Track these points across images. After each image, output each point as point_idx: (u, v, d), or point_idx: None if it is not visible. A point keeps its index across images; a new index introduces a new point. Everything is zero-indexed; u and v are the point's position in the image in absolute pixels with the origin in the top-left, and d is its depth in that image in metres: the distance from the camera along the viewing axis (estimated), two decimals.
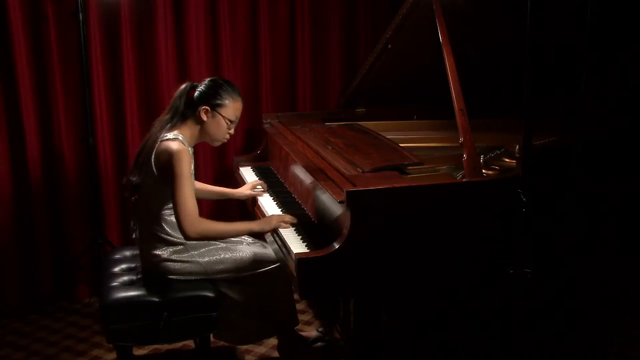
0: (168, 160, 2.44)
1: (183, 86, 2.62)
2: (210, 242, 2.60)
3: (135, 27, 3.54)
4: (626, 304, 3.22)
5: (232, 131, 2.66)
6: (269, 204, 2.87)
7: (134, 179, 2.58)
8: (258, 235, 2.80)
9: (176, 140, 2.48)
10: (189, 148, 2.56)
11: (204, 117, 2.57)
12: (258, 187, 3.06)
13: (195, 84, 2.62)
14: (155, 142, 2.51)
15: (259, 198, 2.96)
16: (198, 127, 2.59)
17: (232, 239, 2.69)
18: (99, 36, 3.45)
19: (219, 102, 2.57)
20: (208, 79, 2.63)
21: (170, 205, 2.51)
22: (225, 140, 2.68)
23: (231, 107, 2.60)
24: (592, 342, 2.80)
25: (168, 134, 2.51)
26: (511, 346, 2.46)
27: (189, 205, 2.43)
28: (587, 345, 2.78)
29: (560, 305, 2.64)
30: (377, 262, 2.15)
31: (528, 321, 2.50)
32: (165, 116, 2.59)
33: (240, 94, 2.65)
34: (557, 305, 2.63)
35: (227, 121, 2.60)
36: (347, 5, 4.06)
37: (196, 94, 2.59)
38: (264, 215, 2.75)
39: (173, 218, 2.53)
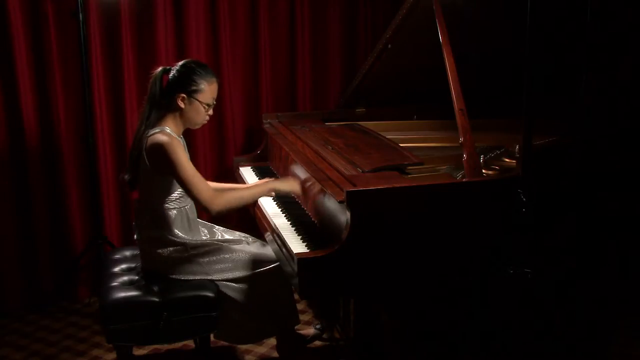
0: (161, 153, 2.43)
1: (157, 71, 2.57)
2: (210, 242, 2.61)
3: (135, 27, 3.54)
4: (626, 304, 3.21)
5: (210, 112, 2.62)
6: (269, 204, 2.87)
7: (126, 176, 2.59)
8: (258, 235, 2.81)
9: (163, 132, 2.48)
10: (179, 137, 2.56)
11: (181, 105, 2.53)
12: None
13: (168, 68, 2.58)
14: (142, 139, 2.51)
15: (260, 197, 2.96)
16: (178, 114, 2.56)
17: (232, 238, 2.70)
18: (99, 36, 3.45)
19: (194, 88, 2.53)
20: (180, 64, 2.57)
21: (170, 199, 2.53)
22: (205, 122, 2.64)
23: (208, 91, 2.55)
24: (592, 342, 2.80)
25: (154, 129, 2.50)
26: (511, 346, 2.46)
27: (200, 184, 2.43)
28: (586, 345, 2.78)
29: (560, 305, 2.64)
30: (377, 262, 2.15)
31: (528, 321, 2.50)
32: (145, 107, 2.56)
33: (214, 74, 2.59)
34: (557, 305, 2.63)
35: (205, 105, 2.57)
36: (347, 5, 4.06)
37: (170, 79, 2.56)
38: (264, 215, 2.75)
39: (172, 213, 2.54)
